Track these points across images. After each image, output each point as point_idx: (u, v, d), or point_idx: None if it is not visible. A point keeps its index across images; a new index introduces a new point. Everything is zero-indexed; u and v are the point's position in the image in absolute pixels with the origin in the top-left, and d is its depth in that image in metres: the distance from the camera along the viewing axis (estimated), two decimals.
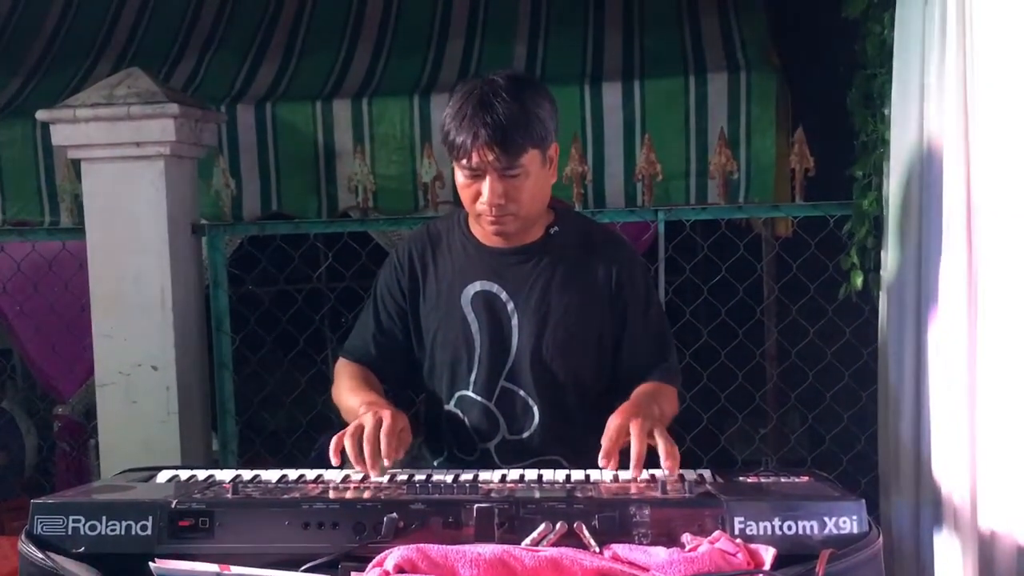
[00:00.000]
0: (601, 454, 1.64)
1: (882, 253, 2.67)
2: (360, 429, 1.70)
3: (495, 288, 1.93)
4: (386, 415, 1.71)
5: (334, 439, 1.68)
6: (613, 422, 1.69)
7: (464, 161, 1.79)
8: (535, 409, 1.93)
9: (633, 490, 1.52)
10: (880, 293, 2.69)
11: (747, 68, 3.47)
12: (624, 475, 1.63)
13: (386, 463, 1.67)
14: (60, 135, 3.04)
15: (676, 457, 1.63)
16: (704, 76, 3.48)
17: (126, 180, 3.00)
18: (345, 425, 1.76)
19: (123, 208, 3.01)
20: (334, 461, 1.68)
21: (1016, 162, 1.97)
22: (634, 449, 1.62)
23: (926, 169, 2.31)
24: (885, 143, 2.61)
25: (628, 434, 1.65)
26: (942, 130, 2.19)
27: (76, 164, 3.12)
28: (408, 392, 2.18)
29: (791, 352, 3.16)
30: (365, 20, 4.10)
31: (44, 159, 3.74)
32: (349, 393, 1.93)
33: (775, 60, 3.57)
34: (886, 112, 2.60)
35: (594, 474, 1.65)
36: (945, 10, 2.13)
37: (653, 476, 1.61)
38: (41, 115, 3.06)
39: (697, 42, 3.72)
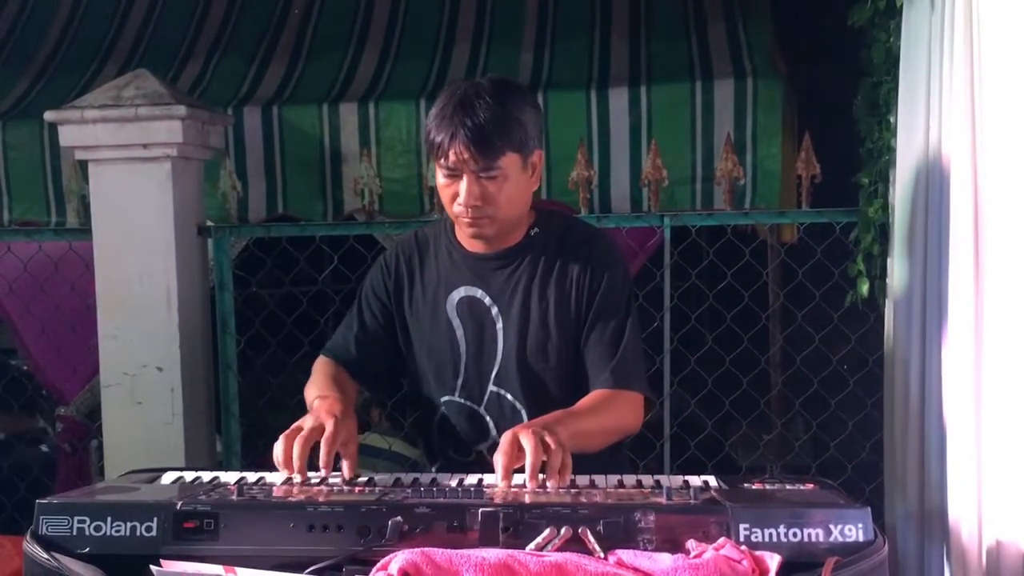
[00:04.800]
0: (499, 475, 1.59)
1: (888, 260, 2.66)
2: (297, 431, 1.68)
3: (479, 293, 1.93)
4: (329, 423, 1.69)
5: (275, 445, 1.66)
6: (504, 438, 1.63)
7: (442, 160, 1.79)
8: (523, 412, 1.93)
9: (638, 496, 1.52)
10: (886, 300, 2.68)
11: (753, 74, 3.47)
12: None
13: (323, 472, 1.66)
14: (68, 136, 3.04)
15: (553, 467, 1.57)
16: (710, 82, 3.48)
17: (133, 181, 3.01)
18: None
19: (130, 209, 3.01)
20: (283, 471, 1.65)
21: (1023, 170, 1.97)
22: (529, 462, 1.57)
23: (932, 176, 2.30)
24: (891, 150, 2.61)
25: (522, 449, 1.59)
26: (948, 138, 2.19)
27: (83, 165, 3.13)
28: (383, 396, 2.16)
29: (796, 359, 3.15)
30: (372, 24, 4.11)
31: (51, 160, 3.76)
32: (313, 388, 1.91)
33: (781, 67, 3.57)
34: (892, 120, 2.60)
35: (599, 479, 1.65)
36: (952, 18, 2.13)
37: (658, 482, 1.61)
38: (49, 116, 3.07)
39: (704, 48, 3.72)
